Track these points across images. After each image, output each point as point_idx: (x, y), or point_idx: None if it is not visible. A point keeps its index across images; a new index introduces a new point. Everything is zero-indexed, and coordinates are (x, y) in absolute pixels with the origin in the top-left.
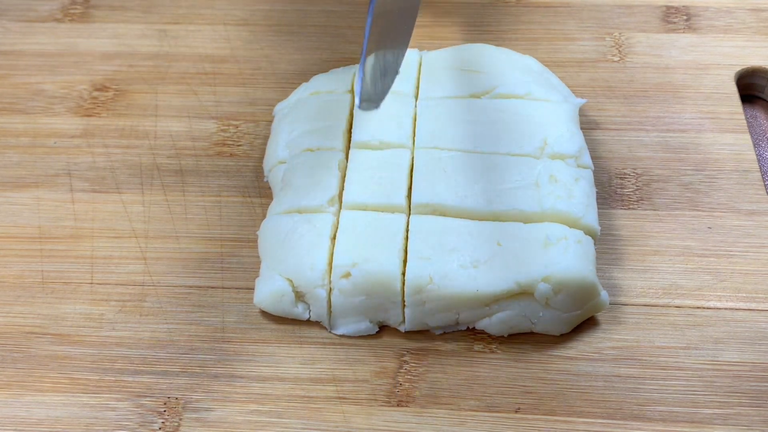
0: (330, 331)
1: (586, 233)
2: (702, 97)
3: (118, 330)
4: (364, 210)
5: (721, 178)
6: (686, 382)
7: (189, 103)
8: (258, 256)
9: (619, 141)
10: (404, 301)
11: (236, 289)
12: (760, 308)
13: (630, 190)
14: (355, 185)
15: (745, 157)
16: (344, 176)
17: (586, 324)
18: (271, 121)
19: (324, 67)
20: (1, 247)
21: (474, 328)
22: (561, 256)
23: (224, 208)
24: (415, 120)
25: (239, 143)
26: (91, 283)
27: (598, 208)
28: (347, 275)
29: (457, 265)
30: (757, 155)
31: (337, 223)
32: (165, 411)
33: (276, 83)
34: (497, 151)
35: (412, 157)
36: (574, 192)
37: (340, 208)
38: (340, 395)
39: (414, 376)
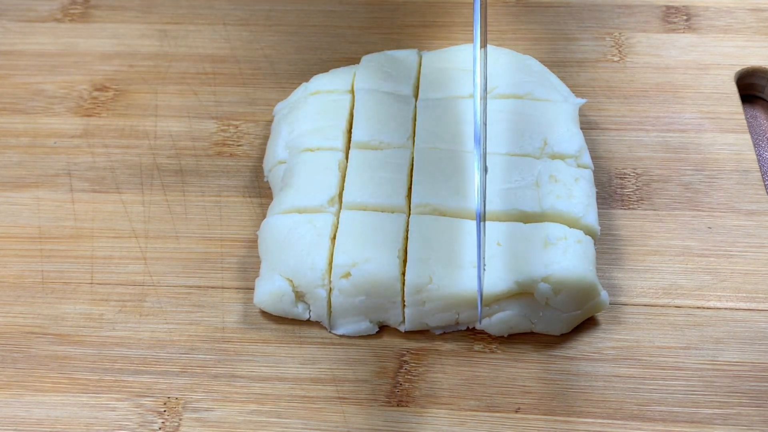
0: (330, 331)
1: (586, 233)
2: (702, 97)
3: (118, 330)
4: (364, 210)
5: (721, 178)
6: (686, 382)
7: (189, 103)
8: (258, 256)
9: (619, 141)
10: (404, 301)
11: (236, 289)
12: (760, 308)
13: (630, 190)
14: (355, 185)
15: (745, 157)
16: (344, 176)
17: (586, 324)
18: (271, 121)
19: (324, 67)
20: (1, 247)
21: (474, 328)
22: (561, 256)
23: (224, 208)
24: (415, 120)
25: (239, 143)
26: (91, 283)
27: (598, 208)
28: (347, 275)
29: (456, 265)
30: (757, 155)
31: (337, 223)
32: (165, 411)
33: (276, 83)
34: (497, 151)
35: (412, 157)
36: (574, 192)
37: (340, 208)
38: (340, 395)
39: (414, 376)
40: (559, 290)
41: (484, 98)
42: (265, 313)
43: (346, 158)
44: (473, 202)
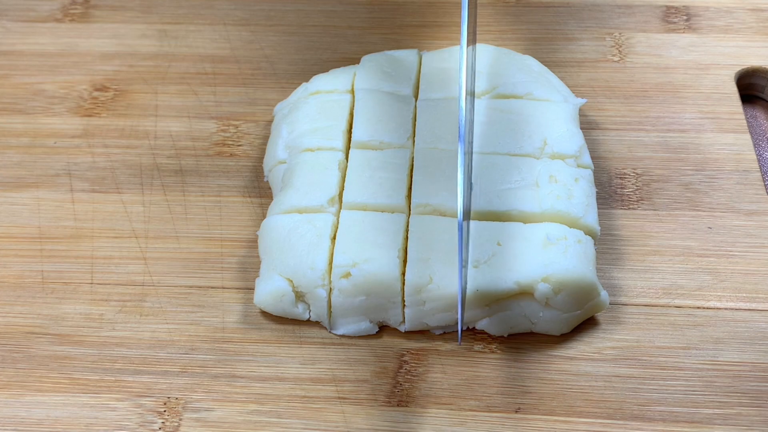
0: (330, 331)
1: (586, 233)
2: (702, 97)
3: (118, 330)
4: (364, 210)
5: (721, 178)
6: (686, 382)
7: (189, 103)
8: (258, 256)
9: (619, 141)
10: (404, 301)
11: (236, 289)
12: (760, 308)
13: (630, 190)
14: (355, 185)
15: (745, 157)
16: (344, 176)
17: (586, 324)
18: (271, 121)
19: (324, 67)
20: (1, 247)
21: (474, 328)
22: (561, 256)
23: (224, 208)
24: (415, 120)
25: (239, 143)
26: (91, 283)
27: (598, 208)
28: (347, 275)
29: (457, 264)
30: (757, 155)
31: (337, 223)
32: (165, 411)
33: (276, 83)
34: (497, 151)
35: (412, 158)
36: (573, 192)
37: (340, 208)
38: (340, 395)
39: (414, 376)
40: (559, 290)
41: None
42: (265, 313)
43: (346, 158)
44: (474, 203)
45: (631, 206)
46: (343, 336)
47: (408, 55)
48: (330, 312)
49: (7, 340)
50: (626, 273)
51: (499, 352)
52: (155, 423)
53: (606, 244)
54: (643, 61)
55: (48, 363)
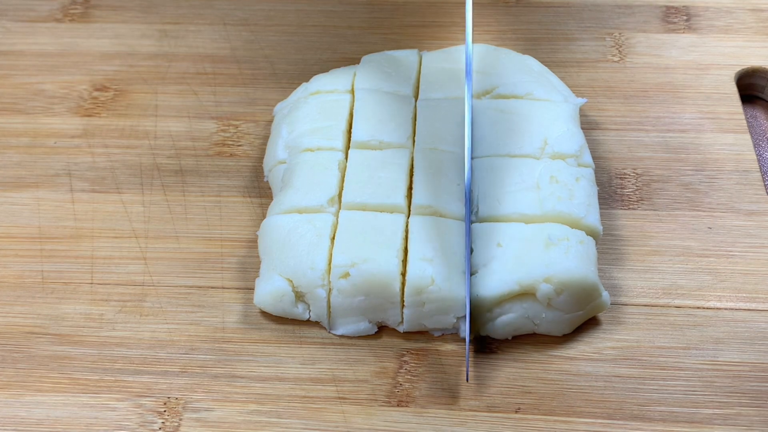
0: (329, 331)
1: (588, 233)
2: (702, 97)
3: (118, 330)
4: (364, 210)
5: (721, 178)
6: (686, 382)
7: (189, 103)
8: (258, 256)
9: (619, 141)
10: (403, 302)
11: (236, 289)
12: (760, 308)
13: (630, 190)
14: (355, 185)
15: (745, 157)
16: (344, 176)
17: (587, 324)
18: (271, 121)
19: (324, 67)
20: (1, 247)
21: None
22: (563, 257)
23: (224, 208)
24: (415, 120)
25: (239, 143)
26: (91, 283)
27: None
28: (346, 275)
29: (458, 267)
30: (757, 155)
31: (337, 223)
32: (165, 411)
33: (276, 83)
34: (497, 152)
35: (412, 158)
36: (575, 192)
37: (340, 208)
38: (340, 395)
39: (414, 376)
40: (561, 291)
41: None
42: (265, 313)
43: (346, 158)
44: (474, 206)
45: (631, 206)
46: (342, 336)
47: (408, 55)
48: (329, 312)
49: (7, 340)
50: (626, 273)
51: (499, 352)
52: (155, 423)
53: (606, 244)
54: (643, 61)
55: (48, 363)
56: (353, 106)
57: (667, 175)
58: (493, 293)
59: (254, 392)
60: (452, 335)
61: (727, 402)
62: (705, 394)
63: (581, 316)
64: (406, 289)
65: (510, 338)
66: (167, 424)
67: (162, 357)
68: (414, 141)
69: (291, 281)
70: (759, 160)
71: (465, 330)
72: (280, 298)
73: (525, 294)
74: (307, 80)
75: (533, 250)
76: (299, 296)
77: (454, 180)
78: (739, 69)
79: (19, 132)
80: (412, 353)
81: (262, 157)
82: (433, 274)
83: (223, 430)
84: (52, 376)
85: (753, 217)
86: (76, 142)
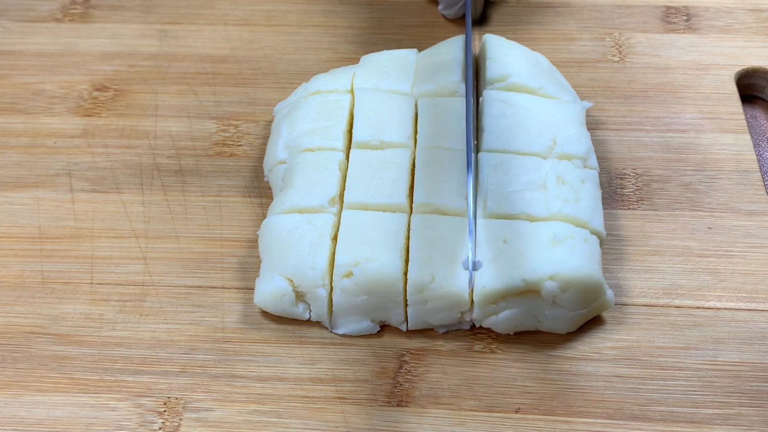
0: (331, 331)
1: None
2: (702, 97)
3: (118, 330)
4: (365, 210)
5: (721, 178)
6: (686, 382)
7: (189, 103)
8: (258, 256)
9: (619, 141)
10: (406, 301)
11: (236, 289)
12: (760, 308)
13: (630, 190)
14: (356, 185)
15: (745, 157)
16: (345, 176)
17: (587, 324)
18: (271, 121)
19: (324, 67)
20: (1, 247)
21: (474, 327)
22: (568, 255)
23: (224, 208)
24: (415, 119)
25: (239, 143)
26: (91, 283)
27: None
28: (349, 275)
29: (460, 263)
30: (757, 155)
31: (338, 223)
32: (165, 411)
33: (276, 83)
34: (507, 148)
35: (413, 157)
36: (581, 195)
37: (341, 208)
38: (340, 395)
39: (414, 376)
40: (566, 288)
41: (475, 92)
42: (265, 313)
43: (347, 158)
44: (479, 205)
45: (631, 206)
46: (343, 336)
47: (408, 55)
48: (331, 311)
49: (7, 340)
50: (626, 273)
51: (499, 352)
52: (155, 423)
53: (606, 244)
54: (643, 61)
55: (48, 363)
56: (353, 105)
57: (667, 175)
58: (498, 288)
59: (254, 392)
60: (453, 334)
61: (727, 402)
62: (705, 394)
63: (585, 315)
64: (408, 288)
65: (512, 333)
66: (167, 424)
67: (162, 357)
68: (415, 140)
69: (291, 281)
70: (759, 160)
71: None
72: (280, 298)
73: (529, 291)
74: (307, 80)
75: (539, 248)
76: (299, 296)
77: (456, 177)
78: (739, 69)
79: (19, 132)
80: (412, 353)
81: (262, 157)
82: (433, 272)
83: (223, 430)
84: (52, 376)
85: (753, 217)
86: (76, 142)
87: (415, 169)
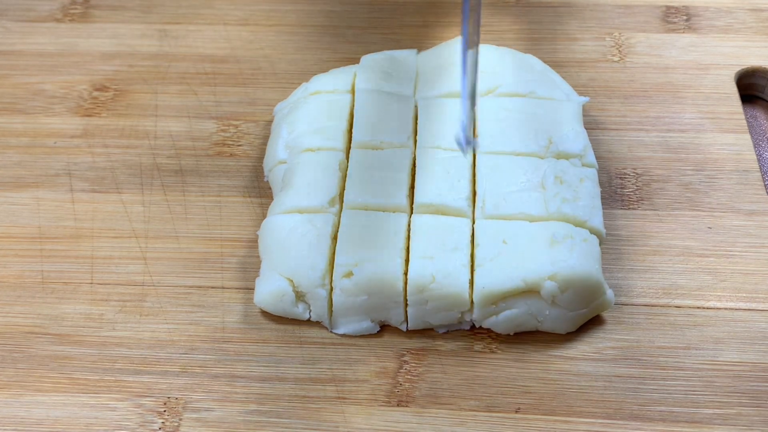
0: (331, 331)
1: (591, 233)
2: (702, 97)
3: (118, 330)
4: (366, 210)
5: (721, 178)
6: (686, 382)
7: (189, 103)
8: (258, 256)
9: (619, 141)
10: (406, 301)
11: (236, 289)
12: (760, 308)
13: (630, 190)
14: (356, 185)
15: (745, 157)
16: (345, 176)
17: (587, 324)
18: (271, 121)
19: (324, 67)
20: (1, 247)
21: (474, 327)
22: (567, 255)
23: (224, 208)
24: (416, 119)
25: (239, 143)
26: (91, 283)
27: None
28: (349, 274)
29: (459, 264)
30: (757, 155)
31: (338, 223)
32: (165, 411)
33: (276, 83)
34: (503, 150)
35: (413, 157)
36: (579, 193)
37: (341, 208)
38: (340, 395)
39: (414, 376)
40: (565, 288)
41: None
42: (265, 313)
43: (347, 158)
44: (478, 206)
45: (631, 206)
46: (343, 336)
47: (408, 55)
48: (331, 311)
49: (7, 340)
50: (626, 273)
51: (499, 352)
52: (155, 423)
53: (606, 244)
54: (643, 61)
55: (48, 363)
56: (353, 106)
57: (667, 175)
58: (498, 288)
59: (254, 392)
60: (453, 334)
61: (727, 402)
62: (705, 394)
63: (585, 314)
64: (408, 288)
65: (512, 334)
66: (167, 424)
67: (162, 357)
68: (415, 140)
69: (291, 281)
70: (759, 160)
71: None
72: (280, 298)
73: (529, 291)
74: (307, 80)
75: (538, 248)
76: (299, 296)
77: (456, 177)
78: (739, 69)
79: (19, 132)
80: (413, 353)
81: (262, 157)
82: (433, 272)
83: (223, 430)
84: (52, 376)
85: (753, 217)
86: (76, 142)
87: (415, 169)
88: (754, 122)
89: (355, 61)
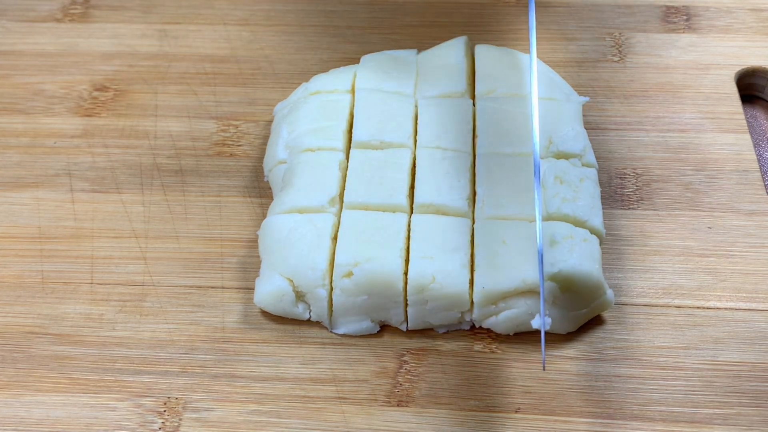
0: (331, 331)
1: (591, 233)
2: (702, 97)
3: (118, 330)
4: (366, 210)
5: (721, 178)
6: (686, 382)
7: (189, 103)
8: (258, 256)
9: (619, 141)
10: (406, 301)
11: (236, 289)
12: (760, 308)
13: (630, 190)
14: (356, 185)
15: (745, 157)
16: (345, 176)
17: (587, 324)
18: (271, 121)
19: (324, 67)
20: (1, 247)
21: (474, 327)
22: (567, 254)
23: (224, 208)
24: (416, 119)
25: (239, 143)
26: (91, 283)
27: None
28: (349, 274)
29: (459, 264)
30: (757, 155)
31: (338, 222)
32: (165, 411)
33: (276, 83)
34: (502, 151)
35: (414, 157)
36: (579, 193)
37: (341, 208)
38: (340, 395)
39: (414, 376)
40: (566, 288)
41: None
42: (265, 313)
43: (347, 158)
44: (478, 206)
45: (631, 206)
46: (343, 336)
47: (408, 55)
48: (331, 311)
49: (7, 340)
50: (626, 273)
51: (499, 352)
52: (155, 423)
53: (606, 244)
54: (643, 61)
55: (48, 363)
56: (353, 105)
57: (667, 175)
58: (497, 288)
59: (254, 392)
60: (453, 334)
61: (727, 402)
62: (705, 394)
63: (585, 314)
64: (408, 288)
65: (512, 334)
66: (167, 424)
67: (162, 357)
68: (415, 140)
69: (291, 281)
70: (759, 160)
71: (540, 319)
72: (280, 298)
73: (529, 291)
74: (307, 80)
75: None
76: (299, 296)
77: (456, 177)
78: (739, 69)
79: (19, 132)
80: (412, 353)
81: (262, 157)
82: (434, 272)
83: (223, 430)
84: (52, 376)
85: (753, 217)
86: (76, 142)
87: (415, 169)
88: (754, 122)
89: (355, 61)
